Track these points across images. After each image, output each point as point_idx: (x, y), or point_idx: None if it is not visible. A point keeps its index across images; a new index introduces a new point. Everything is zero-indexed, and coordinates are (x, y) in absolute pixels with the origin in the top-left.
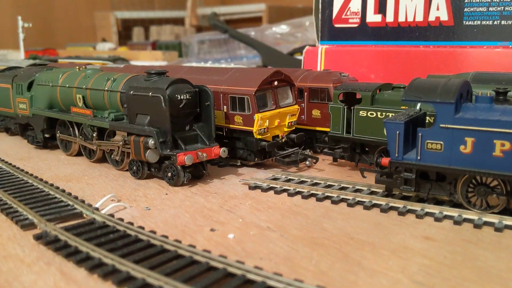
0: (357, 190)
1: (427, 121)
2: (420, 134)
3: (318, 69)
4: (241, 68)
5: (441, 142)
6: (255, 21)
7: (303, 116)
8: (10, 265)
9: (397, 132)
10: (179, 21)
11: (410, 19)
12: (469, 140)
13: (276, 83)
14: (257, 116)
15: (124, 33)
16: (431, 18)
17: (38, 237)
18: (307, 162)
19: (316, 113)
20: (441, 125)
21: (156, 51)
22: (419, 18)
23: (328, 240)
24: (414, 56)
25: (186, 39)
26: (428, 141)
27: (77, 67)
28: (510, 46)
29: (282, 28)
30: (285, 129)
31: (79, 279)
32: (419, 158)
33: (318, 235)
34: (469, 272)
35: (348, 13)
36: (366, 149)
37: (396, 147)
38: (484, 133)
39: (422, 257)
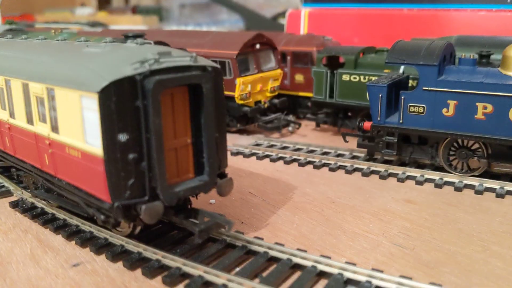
0: (339, 155)
1: (410, 84)
2: (402, 97)
3: (301, 33)
4: (222, 32)
5: (424, 105)
6: None
7: (286, 81)
8: None
9: (380, 95)
10: None
11: None
12: (452, 103)
13: (258, 46)
14: (238, 81)
15: None
16: None
17: (14, 205)
18: (290, 128)
19: (299, 78)
20: (424, 88)
21: (136, 16)
22: None
23: (310, 204)
24: (398, 19)
25: (167, 3)
26: (411, 104)
27: (53, 31)
28: (494, 10)
29: None
30: (268, 94)
31: (56, 246)
32: (401, 121)
33: (299, 200)
34: (449, 234)
35: None
36: (349, 114)
37: (379, 110)
38: (467, 95)
39: (403, 219)
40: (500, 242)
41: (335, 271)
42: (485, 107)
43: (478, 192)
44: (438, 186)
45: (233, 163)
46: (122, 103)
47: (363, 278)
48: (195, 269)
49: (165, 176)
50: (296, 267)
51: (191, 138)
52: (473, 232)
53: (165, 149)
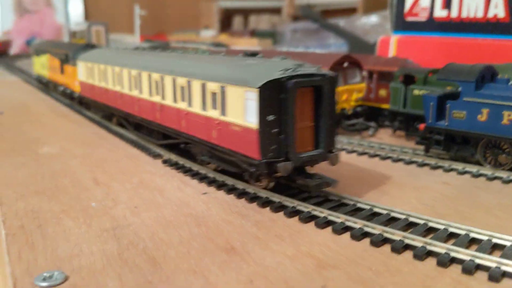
0: (403, 151)
1: None
2: (448, 105)
3: (389, 56)
4: (320, 53)
5: (464, 112)
6: (351, 11)
7: (371, 95)
8: (148, 176)
9: (431, 103)
10: (277, 11)
11: (471, 15)
12: (485, 111)
13: (346, 64)
14: None
15: (225, 22)
16: (490, 14)
17: (164, 161)
18: (370, 132)
19: (382, 92)
20: (464, 99)
21: (252, 38)
22: (479, 14)
23: (370, 179)
24: (472, 47)
25: (280, 28)
26: (454, 111)
27: (191, 48)
28: None
29: (372, 19)
30: (352, 103)
31: (193, 184)
32: (447, 124)
33: (363, 176)
34: (465, 203)
35: (418, 8)
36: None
37: (430, 115)
38: (496, 105)
39: (435, 192)
40: (487, 211)
41: (380, 211)
42: (510, 115)
43: (505, 182)
44: (474, 176)
45: None
46: (271, 95)
47: (383, 211)
48: (306, 208)
49: (294, 145)
50: (358, 209)
51: (312, 122)
52: (484, 204)
53: (295, 128)
